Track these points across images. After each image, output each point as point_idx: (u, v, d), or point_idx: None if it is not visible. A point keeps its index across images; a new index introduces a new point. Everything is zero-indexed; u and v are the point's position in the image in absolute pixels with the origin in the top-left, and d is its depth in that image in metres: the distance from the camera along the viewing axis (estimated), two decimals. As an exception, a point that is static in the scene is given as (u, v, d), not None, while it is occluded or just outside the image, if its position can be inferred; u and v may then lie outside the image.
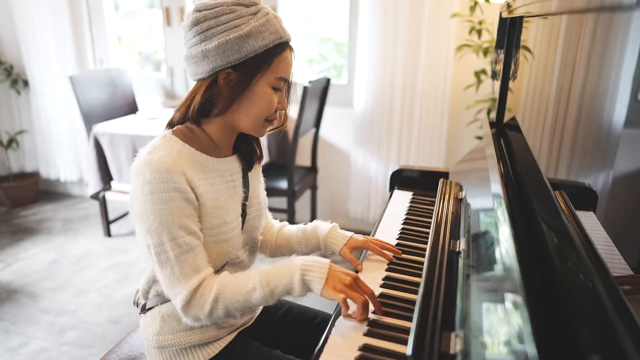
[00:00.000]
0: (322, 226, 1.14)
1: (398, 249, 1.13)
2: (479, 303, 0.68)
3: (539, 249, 0.72)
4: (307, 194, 3.17)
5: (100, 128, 2.67)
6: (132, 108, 3.16)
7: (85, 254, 2.82)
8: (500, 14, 1.51)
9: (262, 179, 1.14)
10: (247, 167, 1.05)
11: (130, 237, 3.04)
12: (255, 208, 1.06)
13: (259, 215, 1.08)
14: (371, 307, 0.88)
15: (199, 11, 0.89)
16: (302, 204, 3.22)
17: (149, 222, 0.84)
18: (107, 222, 3.02)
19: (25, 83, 3.41)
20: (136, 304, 1.11)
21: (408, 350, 0.61)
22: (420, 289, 0.76)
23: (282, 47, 0.92)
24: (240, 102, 0.92)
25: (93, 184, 2.70)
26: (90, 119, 2.79)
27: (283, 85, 0.95)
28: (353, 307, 0.88)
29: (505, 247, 0.68)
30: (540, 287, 0.62)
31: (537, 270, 0.64)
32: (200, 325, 0.93)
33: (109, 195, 3.41)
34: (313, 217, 3.10)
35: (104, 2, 3.30)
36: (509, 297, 0.59)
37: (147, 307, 1.03)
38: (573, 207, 0.75)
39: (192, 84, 0.97)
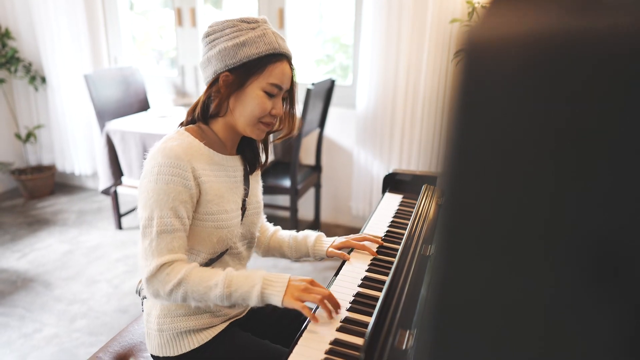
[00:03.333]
0: (311, 236, 1.26)
1: (381, 251, 1.21)
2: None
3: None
4: (312, 191, 3.25)
5: (113, 125, 2.78)
6: (143, 105, 3.27)
7: (97, 245, 2.94)
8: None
9: (260, 182, 1.25)
10: (249, 170, 1.16)
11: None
12: (254, 206, 1.17)
13: (257, 213, 1.19)
14: (347, 306, 0.97)
15: (211, 27, 1.05)
16: (307, 202, 3.31)
17: (147, 197, 0.97)
18: (119, 216, 3.14)
19: (43, 80, 3.54)
20: (138, 292, 1.21)
21: (362, 348, 0.69)
22: (384, 289, 0.84)
23: (276, 57, 1.03)
24: (236, 101, 1.04)
25: (104, 179, 2.82)
26: (104, 115, 2.90)
27: (278, 92, 1.06)
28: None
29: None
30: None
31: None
32: (158, 301, 1.03)
33: (120, 189, 3.53)
34: (317, 214, 3.19)
35: (118, 1, 3.41)
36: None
37: None
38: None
39: (202, 81, 1.12)
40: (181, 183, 0.98)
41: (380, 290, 1.05)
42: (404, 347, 0.72)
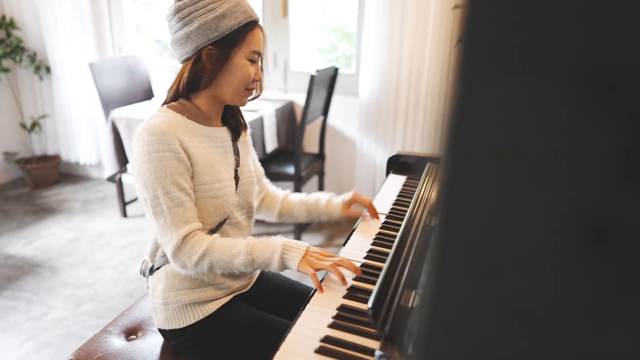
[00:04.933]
0: (322, 199, 1.31)
1: (386, 226, 1.24)
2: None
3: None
4: (315, 179, 3.27)
5: (118, 113, 2.80)
6: (148, 94, 3.28)
7: (102, 233, 2.97)
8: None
9: (252, 151, 1.28)
10: (235, 137, 1.19)
11: (144, 218, 3.18)
12: (247, 175, 1.19)
13: (251, 182, 1.21)
14: (351, 274, 0.99)
15: (179, 0, 1.04)
16: (310, 190, 3.32)
17: (146, 178, 0.98)
18: (123, 204, 3.16)
19: (48, 69, 3.56)
20: (143, 272, 1.23)
21: (369, 302, 0.71)
22: (391, 253, 0.86)
23: (252, 24, 1.07)
24: (223, 74, 1.06)
25: (110, 166, 2.84)
26: (108, 104, 2.92)
27: (257, 58, 1.09)
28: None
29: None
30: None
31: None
32: (185, 273, 1.05)
33: (125, 178, 3.55)
34: (320, 202, 3.20)
35: (122, -8, 3.43)
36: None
37: (154, 268, 1.15)
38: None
39: None
40: (174, 157, 0.99)
41: (384, 261, 1.07)
42: (409, 305, 0.73)
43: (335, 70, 2.84)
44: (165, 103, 1.11)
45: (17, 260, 2.61)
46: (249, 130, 1.27)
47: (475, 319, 0.22)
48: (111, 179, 2.93)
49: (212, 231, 1.11)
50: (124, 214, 3.18)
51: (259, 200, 1.35)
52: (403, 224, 1.00)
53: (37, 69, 3.51)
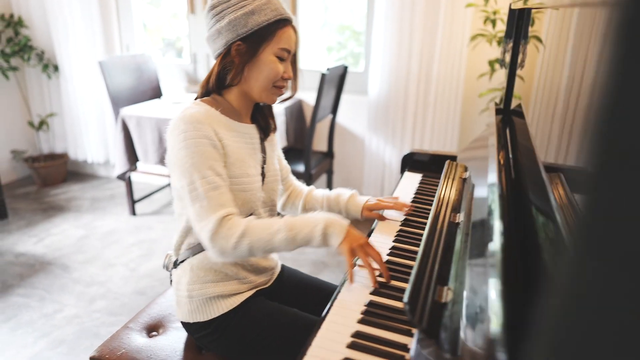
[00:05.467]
0: (344, 194, 1.32)
1: (406, 223, 1.24)
2: (468, 264, 0.77)
3: (524, 227, 0.81)
4: (324, 177, 3.27)
5: (128, 111, 2.80)
6: (156, 92, 3.29)
7: (112, 231, 2.97)
8: (510, 5, 1.57)
9: (279, 152, 1.30)
10: (264, 136, 1.20)
11: (154, 216, 3.19)
12: (272, 173, 1.20)
13: (276, 180, 1.22)
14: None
15: None
16: (319, 187, 3.32)
17: (183, 163, 0.99)
18: (133, 202, 3.17)
19: (56, 68, 3.56)
20: (166, 267, 1.23)
21: (405, 297, 0.71)
22: (420, 249, 0.86)
23: (283, 22, 1.08)
24: (251, 69, 1.08)
25: (120, 164, 2.85)
26: (118, 102, 2.93)
27: (287, 56, 1.10)
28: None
29: (494, 223, 0.78)
30: (518, 257, 0.71)
31: (516, 244, 0.73)
32: (223, 260, 1.03)
33: (134, 177, 3.56)
34: (328, 200, 3.21)
35: (130, -10, 3.43)
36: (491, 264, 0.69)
37: (179, 261, 1.16)
38: (575, 188, 0.83)
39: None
40: (210, 144, 1.01)
41: (409, 258, 1.07)
42: (443, 300, 0.74)
43: (345, 68, 2.85)
44: (197, 98, 1.13)
45: (28, 258, 2.62)
46: (277, 132, 1.28)
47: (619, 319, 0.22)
48: (121, 177, 2.93)
49: None
50: (133, 212, 3.19)
51: (286, 195, 1.37)
52: (429, 221, 1.00)
53: (45, 67, 3.51)
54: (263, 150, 1.18)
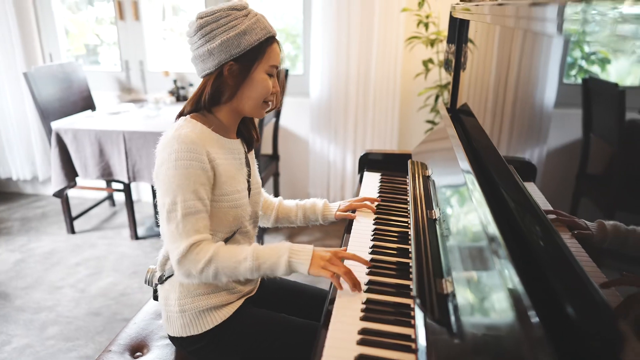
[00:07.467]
0: (318, 203, 1.39)
1: (378, 221, 1.33)
2: (460, 255, 0.86)
3: (504, 211, 0.92)
4: (271, 180, 3.30)
5: (62, 124, 2.66)
6: (88, 103, 3.14)
7: (51, 251, 2.81)
8: (451, 13, 1.71)
9: (256, 163, 1.32)
10: (247, 149, 1.24)
11: (94, 232, 3.05)
12: (256, 185, 1.25)
13: (259, 192, 1.27)
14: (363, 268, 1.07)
15: (201, 18, 1.07)
16: (267, 190, 3.35)
17: (170, 183, 1.01)
18: (71, 219, 3.01)
19: (-32, 80, 3.28)
20: (149, 282, 1.23)
21: (414, 291, 0.79)
22: (413, 248, 0.94)
23: (271, 40, 1.12)
24: (244, 88, 1.10)
25: (57, 181, 2.69)
26: (47, 115, 2.76)
27: (275, 71, 1.15)
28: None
29: (480, 211, 0.87)
30: (510, 239, 0.81)
31: (507, 226, 0.83)
32: (188, 281, 1.06)
33: (70, 192, 3.37)
34: (276, 202, 3.24)
35: (49, -4, 3.23)
36: (491, 250, 0.78)
37: (165, 277, 1.16)
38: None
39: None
40: (199, 167, 1.03)
41: (389, 255, 1.15)
42: (445, 292, 0.82)
43: (286, 71, 2.89)
44: (182, 114, 1.14)
45: (-40, 290, 2.42)
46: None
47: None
48: (58, 194, 2.77)
49: (226, 240, 1.14)
50: (72, 230, 3.03)
51: None
52: (412, 221, 1.08)
53: (-43, 80, 3.22)
54: (247, 164, 1.21)
